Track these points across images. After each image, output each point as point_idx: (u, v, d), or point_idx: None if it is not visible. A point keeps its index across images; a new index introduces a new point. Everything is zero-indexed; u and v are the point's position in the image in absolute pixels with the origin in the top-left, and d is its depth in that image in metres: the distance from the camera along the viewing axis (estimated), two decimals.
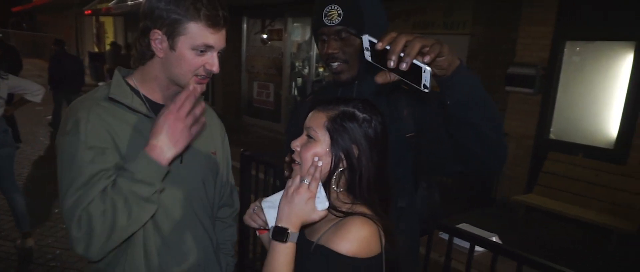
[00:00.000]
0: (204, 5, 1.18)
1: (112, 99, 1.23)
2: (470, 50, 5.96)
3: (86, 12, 16.43)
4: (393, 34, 0.94)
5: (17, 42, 25.61)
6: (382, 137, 1.12)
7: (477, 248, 2.11)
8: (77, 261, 3.52)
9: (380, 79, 1.04)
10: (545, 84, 5.31)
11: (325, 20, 1.36)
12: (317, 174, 1.05)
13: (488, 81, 5.75)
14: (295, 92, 9.43)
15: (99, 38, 18.65)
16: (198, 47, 1.20)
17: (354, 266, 0.99)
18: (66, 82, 7.71)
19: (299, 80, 9.36)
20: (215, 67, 1.24)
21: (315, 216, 1.04)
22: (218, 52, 1.25)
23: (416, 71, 0.92)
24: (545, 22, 5.25)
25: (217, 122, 1.56)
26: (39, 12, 25.42)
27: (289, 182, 1.06)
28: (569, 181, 4.83)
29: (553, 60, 5.27)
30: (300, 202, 1.02)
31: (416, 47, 0.91)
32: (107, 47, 15.32)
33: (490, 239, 2.16)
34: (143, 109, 1.26)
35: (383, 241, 1.05)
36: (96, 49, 18.18)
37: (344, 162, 1.09)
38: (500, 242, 2.24)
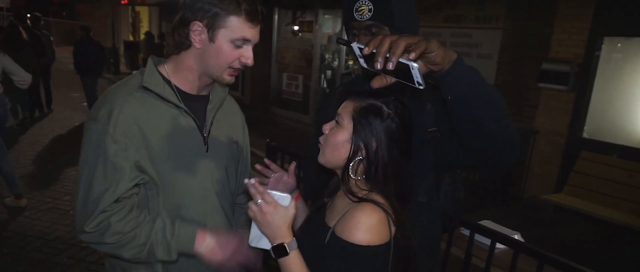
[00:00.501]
0: (245, 0, 1.23)
1: (145, 88, 1.28)
2: (502, 45, 5.84)
3: (123, 2, 16.84)
4: (379, 37, 0.96)
5: (58, 31, 26.48)
6: (404, 135, 1.14)
7: (499, 245, 2.09)
8: None
9: (376, 83, 1.07)
10: (580, 81, 5.15)
11: (356, 16, 1.37)
12: (260, 188, 1.09)
13: (520, 77, 5.63)
14: (324, 85, 9.43)
15: (135, 27, 19.07)
16: (236, 40, 1.25)
17: (369, 254, 1.03)
18: (91, 67, 8.05)
19: (329, 72, 9.36)
20: (250, 60, 1.30)
21: (291, 212, 1.10)
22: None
23: (406, 70, 0.94)
24: (581, 17, 5.10)
25: (239, 111, 1.61)
26: (78, 1, 26.10)
27: (251, 213, 1.10)
28: (601, 182, 4.68)
29: (589, 57, 5.11)
30: (272, 217, 1.07)
31: (400, 46, 0.92)
32: (142, 37, 15.65)
33: (513, 236, 2.13)
34: (174, 99, 1.31)
35: (392, 229, 1.08)
36: (131, 38, 18.60)
37: (364, 152, 1.12)
38: (522, 240, 2.20)
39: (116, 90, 1.29)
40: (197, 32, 1.24)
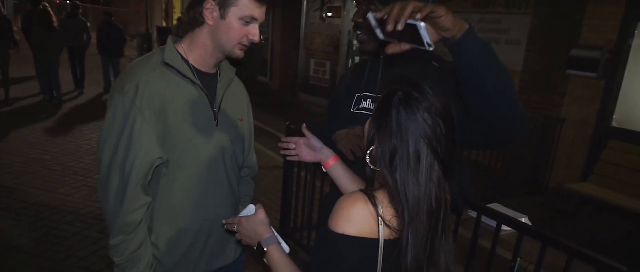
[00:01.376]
0: None
1: (166, 64, 1.40)
2: (531, 31, 5.72)
3: None
4: (391, 5, 1.04)
5: (94, 16, 27.16)
6: (425, 128, 0.98)
7: (505, 227, 2.12)
8: None
9: (390, 49, 1.12)
10: (611, 68, 5.01)
11: None
12: (229, 220, 1.32)
13: (549, 63, 5.52)
14: None
15: (167, 13, 19.39)
16: (245, 17, 1.38)
17: (341, 242, 0.97)
18: (111, 49, 8.90)
19: (356, 58, 9.34)
20: (256, 37, 1.43)
21: (259, 213, 1.27)
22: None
23: (415, 32, 1.02)
24: (615, 2, 4.93)
25: (244, 92, 1.73)
26: None
27: (242, 242, 1.30)
28: (628, 172, 4.57)
29: (621, 43, 4.96)
30: (245, 229, 1.25)
31: (409, 8, 1.01)
32: (174, 23, 15.94)
33: (520, 219, 2.15)
34: (190, 75, 1.43)
35: (381, 229, 0.97)
36: (164, 24, 18.94)
37: (376, 140, 1.03)
38: (529, 223, 2.21)
39: (140, 66, 1.40)
40: (210, 9, 1.37)
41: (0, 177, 4.51)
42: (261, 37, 1.60)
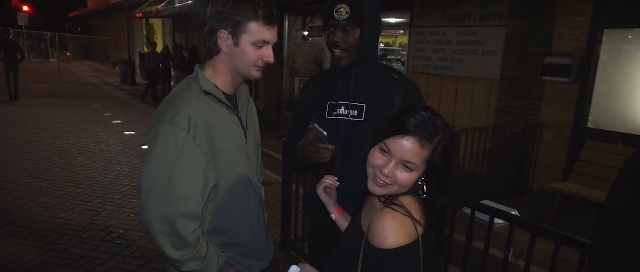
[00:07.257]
0: (261, 7, 1.46)
1: (206, 92, 1.47)
2: (506, 42, 6.02)
3: (137, 15, 17.25)
4: None
5: (73, 45, 27.09)
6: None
7: (497, 221, 2.31)
8: (137, 239, 3.93)
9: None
10: (583, 72, 5.33)
11: (335, 15, 1.70)
12: None
13: (525, 71, 5.82)
14: None
15: (149, 39, 19.50)
16: (257, 42, 1.46)
17: (402, 253, 1.14)
18: (8, 58, 11.49)
19: None
20: (271, 58, 1.53)
21: (308, 267, 1.30)
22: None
23: None
24: (582, 11, 5.27)
25: (253, 104, 1.82)
26: (94, 15, 26.74)
27: None
28: (606, 169, 4.84)
29: (590, 49, 5.28)
30: None
31: None
32: (158, 49, 15.98)
33: (510, 213, 2.35)
34: (225, 100, 1.51)
35: (418, 228, 1.17)
36: (146, 49, 19.02)
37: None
38: (518, 215, 2.41)
39: (185, 96, 1.45)
40: (224, 38, 1.45)
41: (3, 205, 4.58)
42: None
